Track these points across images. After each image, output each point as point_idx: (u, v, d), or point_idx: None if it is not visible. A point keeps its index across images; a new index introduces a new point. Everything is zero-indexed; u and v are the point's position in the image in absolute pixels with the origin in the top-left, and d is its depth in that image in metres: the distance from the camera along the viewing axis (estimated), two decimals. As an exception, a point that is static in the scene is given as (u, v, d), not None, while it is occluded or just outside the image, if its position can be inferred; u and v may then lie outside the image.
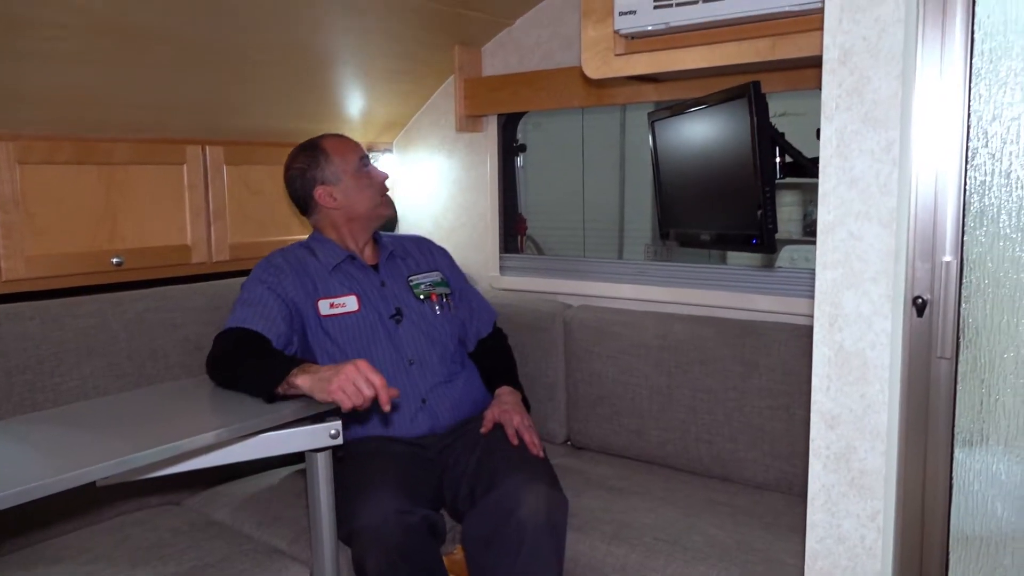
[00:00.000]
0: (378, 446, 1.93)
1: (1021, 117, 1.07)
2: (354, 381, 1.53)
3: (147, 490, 1.99)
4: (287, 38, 2.12)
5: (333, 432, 1.59)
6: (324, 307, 1.96)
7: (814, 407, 1.24)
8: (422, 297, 2.08)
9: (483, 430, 1.97)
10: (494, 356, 2.22)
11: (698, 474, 2.14)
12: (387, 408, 1.56)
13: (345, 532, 1.70)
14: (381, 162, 2.77)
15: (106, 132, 2.07)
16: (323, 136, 2.09)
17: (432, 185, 2.77)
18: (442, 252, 2.28)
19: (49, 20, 1.69)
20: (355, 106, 2.57)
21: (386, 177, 2.11)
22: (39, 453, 1.41)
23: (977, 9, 1.08)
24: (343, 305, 1.96)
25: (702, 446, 2.12)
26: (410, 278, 2.11)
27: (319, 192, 2.02)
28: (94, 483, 1.39)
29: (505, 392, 2.07)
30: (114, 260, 2.07)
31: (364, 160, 2.08)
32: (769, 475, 2.03)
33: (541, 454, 1.92)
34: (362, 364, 1.55)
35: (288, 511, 1.93)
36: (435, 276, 2.15)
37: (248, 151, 2.37)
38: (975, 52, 1.09)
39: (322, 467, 1.61)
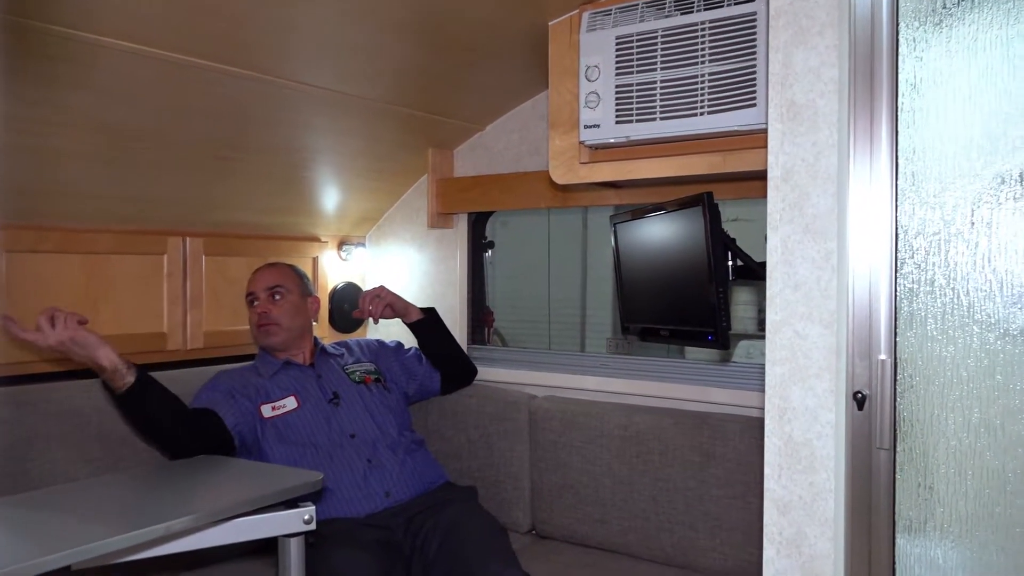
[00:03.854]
0: (345, 529, 1.98)
1: (941, 232, 1.21)
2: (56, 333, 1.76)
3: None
4: (269, 138, 2.24)
5: (307, 517, 1.62)
6: (267, 411, 2.16)
7: (767, 494, 1.33)
8: (357, 380, 2.30)
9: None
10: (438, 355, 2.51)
11: (660, 563, 2.19)
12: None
13: (314, 620, 1.72)
14: (354, 255, 2.87)
15: (91, 223, 2.14)
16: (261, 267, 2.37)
17: (403, 278, 2.87)
18: (381, 346, 2.52)
19: (40, 118, 1.79)
20: (331, 201, 2.69)
21: (260, 311, 2.27)
22: (12, 536, 1.42)
23: (900, 139, 1.23)
24: (283, 406, 2.17)
25: (664, 535, 2.18)
26: (345, 367, 2.34)
27: None
28: (68, 568, 1.41)
29: None
30: (90, 346, 2.11)
31: (250, 296, 2.31)
32: (728, 563, 2.09)
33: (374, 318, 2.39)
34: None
35: (255, 600, 1.93)
36: (368, 366, 2.39)
37: (227, 243, 2.46)
38: (899, 175, 1.24)
39: (294, 554, 1.64)
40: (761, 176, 1.39)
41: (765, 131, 1.38)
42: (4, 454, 1.85)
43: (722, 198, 1.91)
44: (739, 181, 2.04)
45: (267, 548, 2.06)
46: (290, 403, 2.17)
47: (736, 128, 1.71)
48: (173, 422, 1.94)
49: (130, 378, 1.85)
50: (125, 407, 1.91)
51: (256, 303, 2.27)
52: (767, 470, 1.33)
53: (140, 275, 2.23)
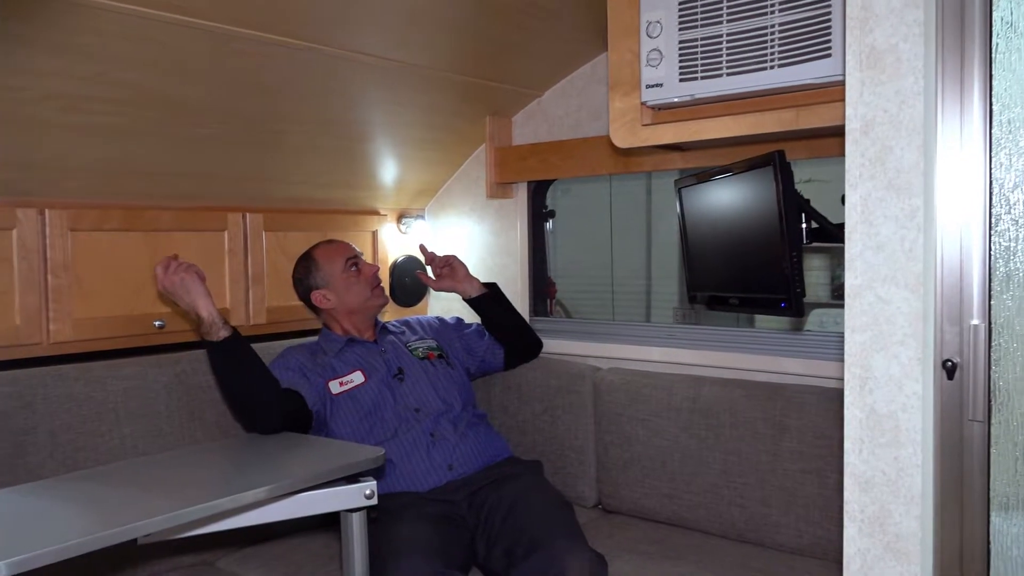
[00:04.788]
0: (409, 503, 1.97)
1: (1042, 185, 1.11)
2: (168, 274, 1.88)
3: (182, 550, 2.01)
4: (326, 112, 2.22)
5: (368, 492, 1.61)
6: (335, 387, 2.15)
7: (847, 469, 1.25)
8: (421, 356, 2.28)
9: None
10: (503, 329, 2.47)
11: (731, 539, 2.12)
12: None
13: (378, 593, 1.71)
14: (414, 228, 2.84)
15: (152, 200, 2.16)
16: (316, 245, 2.33)
17: (463, 250, 2.83)
18: (441, 323, 2.50)
19: (100, 96, 1.80)
20: (388, 174, 2.66)
21: (375, 270, 2.32)
22: (81, 511, 1.44)
23: (994, 83, 1.13)
24: (351, 381, 2.16)
25: (735, 510, 2.11)
26: (407, 344, 2.32)
27: (316, 296, 2.26)
28: (134, 541, 1.43)
29: None
30: (156, 323, 2.14)
31: (351, 260, 2.28)
32: (803, 540, 2.01)
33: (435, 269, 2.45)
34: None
35: (320, 573, 1.94)
36: (431, 342, 2.37)
37: (286, 218, 2.46)
38: (994, 123, 1.13)
39: (356, 528, 1.64)
40: (837, 132, 1.30)
41: (841, 83, 1.28)
42: (75, 430, 1.89)
43: (795, 158, 1.81)
44: (813, 139, 1.93)
45: (331, 522, 2.07)
46: (357, 378, 2.16)
47: (809, 81, 1.60)
48: (264, 388, 1.96)
49: (225, 332, 1.90)
50: (219, 358, 1.94)
51: (359, 266, 2.28)
52: (847, 444, 1.25)
53: (202, 252, 2.24)
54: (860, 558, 1.25)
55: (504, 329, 2.46)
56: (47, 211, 1.94)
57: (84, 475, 1.64)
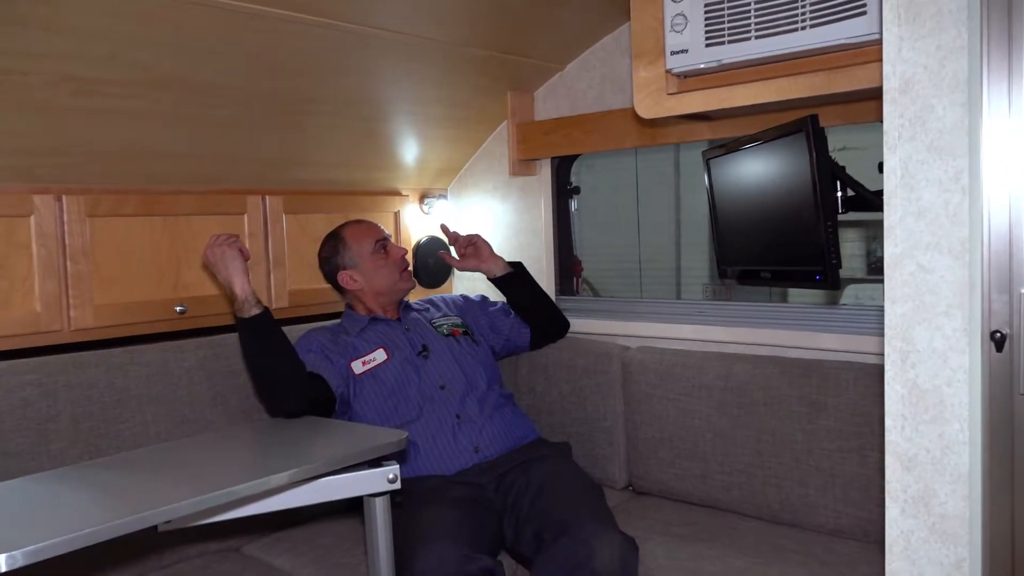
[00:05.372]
0: (435, 487, 1.94)
1: (1099, 140, 1.03)
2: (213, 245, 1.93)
3: (208, 536, 2.00)
4: (344, 90, 2.17)
5: (391, 477, 1.58)
6: (357, 367, 2.11)
7: (888, 448, 1.19)
8: (446, 333, 2.24)
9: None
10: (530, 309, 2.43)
11: (766, 520, 2.06)
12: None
13: (405, 578, 1.68)
14: (436, 208, 2.80)
15: (170, 184, 2.13)
16: (344, 224, 2.30)
17: (487, 229, 2.78)
18: (466, 300, 2.48)
19: (116, 78, 1.76)
20: (410, 154, 2.61)
21: (403, 253, 2.28)
22: (102, 498, 1.43)
23: (1046, 31, 1.05)
24: (374, 359, 2.13)
25: (770, 490, 2.05)
26: (432, 321, 2.29)
27: (342, 276, 2.23)
28: (154, 529, 1.41)
29: None
30: (178, 308, 2.12)
31: (381, 242, 2.25)
32: (842, 521, 1.94)
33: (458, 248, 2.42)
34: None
35: (347, 558, 1.92)
36: (455, 319, 2.34)
37: (307, 200, 2.42)
38: (1046, 76, 1.05)
39: (380, 513, 1.60)
40: (874, 95, 1.23)
41: (877, 42, 1.21)
42: (97, 416, 1.88)
43: (826, 124, 1.73)
44: (847, 103, 1.84)
45: (358, 506, 2.05)
46: (379, 356, 2.13)
47: (843, 41, 1.52)
48: (290, 369, 1.94)
49: (256, 310, 1.90)
50: (248, 336, 1.93)
51: (387, 248, 2.25)
52: (888, 421, 1.18)
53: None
54: (903, 540, 1.19)
55: (530, 308, 2.41)
56: (64, 197, 1.92)
57: (105, 463, 1.63)
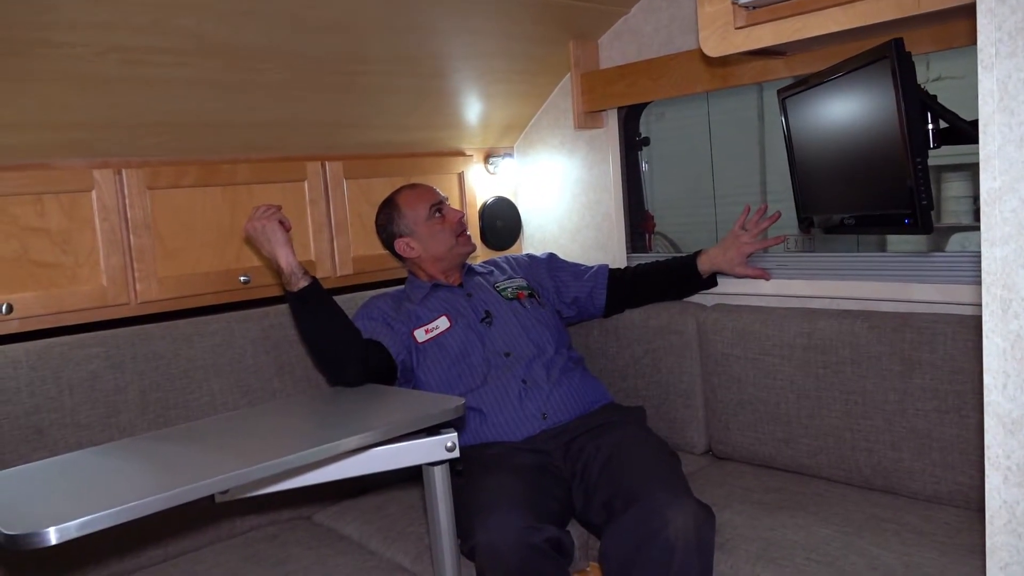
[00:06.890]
0: (501, 454, 1.89)
1: None
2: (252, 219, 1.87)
3: (278, 504, 2.01)
4: (398, 48, 2.10)
5: (449, 445, 1.53)
6: (420, 335, 2.06)
7: (988, 409, 1.05)
8: (510, 297, 2.17)
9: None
10: (636, 278, 2.31)
11: (856, 486, 1.92)
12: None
13: (468, 548, 1.64)
14: (501, 168, 2.71)
15: (228, 153, 2.12)
16: (398, 190, 2.23)
17: (554, 187, 2.68)
18: (532, 260, 2.38)
19: (160, 45, 1.73)
20: (472, 112, 2.53)
21: (460, 216, 2.20)
22: (159, 469, 1.42)
23: None
24: (437, 327, 2.07)
25: (860, 455, 1.90)
26: (495, 284, 2.21)
27: (399, 244, 2.18)
28: (212, 498, 1.40)
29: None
30: (242, 278, 2.11)
31: (436, 207, 2.16)
32: (941, 487, 1.79)
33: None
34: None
35: (413, 527, 1.88)
36: (520, 282, 2.25)
37: (367, 164, 2.37)
38: None
39: (439, 482, 1.55)
40: (970, 12, 1.07)
41: (972, -56, 1.04)
42: (164, 388, 1.89)
43: (916, 52, 1.55)
44: (938, 25, 1.65)
45: (418, 476, 2.03)
46: (442, 323, 2.08)
47: (932, -49, 1.35)
48: (344, 338, 1.90)
49: (304, 283, 1.86)
50: (298, 308, 1.91)
51: (443, 211, 2.17)
52: (987, 379, 1.04)
53: (283, 203, 2.15)
54: (1007, 512, 1.05)
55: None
56: (123, 171, 1.92)
57: (165, 434, 1.63)
